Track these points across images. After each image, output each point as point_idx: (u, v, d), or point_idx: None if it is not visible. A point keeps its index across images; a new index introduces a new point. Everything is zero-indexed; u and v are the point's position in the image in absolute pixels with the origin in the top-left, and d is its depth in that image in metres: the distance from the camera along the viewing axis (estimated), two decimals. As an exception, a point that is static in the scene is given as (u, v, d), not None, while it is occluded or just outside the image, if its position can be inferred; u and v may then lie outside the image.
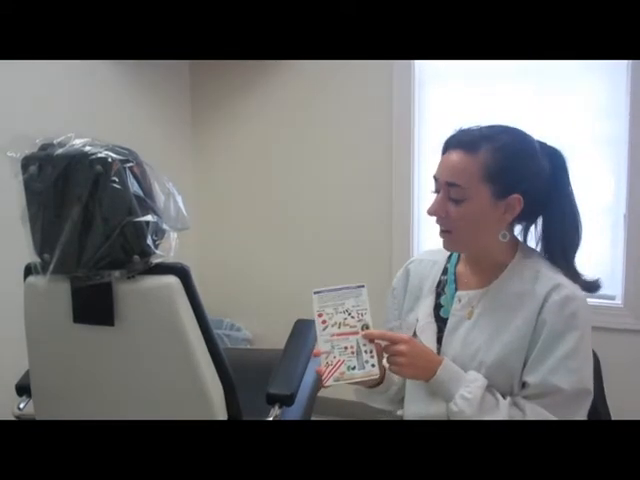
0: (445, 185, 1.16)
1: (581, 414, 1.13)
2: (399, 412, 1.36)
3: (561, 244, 1.21)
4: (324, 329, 1.12)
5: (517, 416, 1.11)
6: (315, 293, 1.14)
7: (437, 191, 1.18)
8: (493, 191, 1.13)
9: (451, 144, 1.17)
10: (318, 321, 1.13)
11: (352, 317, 1.13)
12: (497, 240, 1.18)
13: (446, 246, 1.23)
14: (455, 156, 1.15)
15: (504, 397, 1.14)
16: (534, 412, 1.11)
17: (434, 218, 1.20)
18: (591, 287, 1.21)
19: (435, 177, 1.19)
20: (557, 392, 1.10)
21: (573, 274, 1.20)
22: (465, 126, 1.19)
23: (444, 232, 1.20)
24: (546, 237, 1.23)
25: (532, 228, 1.26)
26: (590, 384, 1.13)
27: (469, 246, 1.22)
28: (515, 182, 1.14)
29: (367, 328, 1.13)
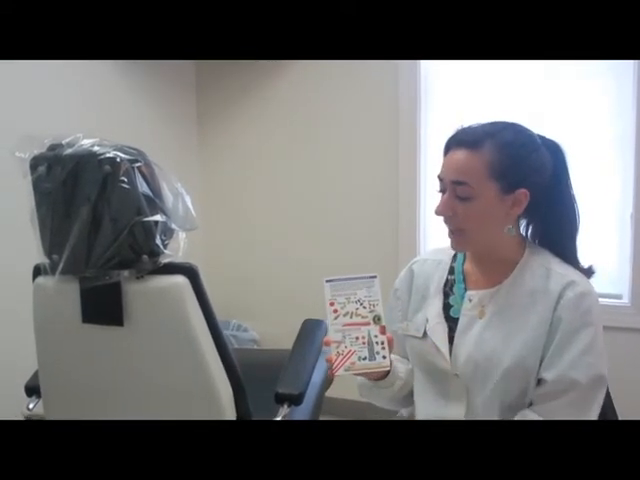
0: (451, 184, 1.16)
1: (598, 403, 1.14)
2: (403, 412, 1.35)
3: (566, 234, 1.22)
4: (335, 318, 1.11)
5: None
6: (327, 281, 1.13)
7: (442, 191, 1.19)
8: (500, 187, 1.13)
9: (453, 143, 1.17)
10: (329, 310, 1.12)
11: (364, 307, 1.12)
12: (505, 236, 1.18)
13: (455, 246, 1.22)
14: (459, 154, 1.15)
15: (516, 405, 1.15)
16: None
17: (441, 216, 1.20)
18: (587, 273, 1.22)
19: (440, 177, 1.19)
20: (574, 386, 1.11)
21: (574, 263, 1.21)
22: (465, 124, 1.20)
23: (454, 232, 1.19)
24: (545, 229, 1.24)
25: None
26: (605, 370, 1.14)
27: (478, 244, 1.22)
28: (521, 177, 1.14)
29: (379, 319, 1.11)
